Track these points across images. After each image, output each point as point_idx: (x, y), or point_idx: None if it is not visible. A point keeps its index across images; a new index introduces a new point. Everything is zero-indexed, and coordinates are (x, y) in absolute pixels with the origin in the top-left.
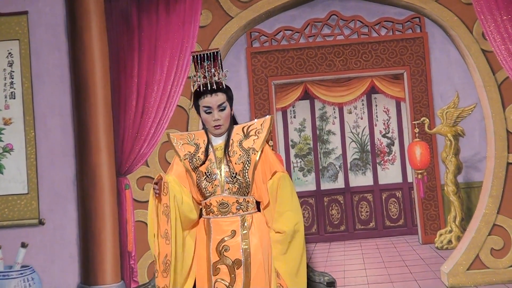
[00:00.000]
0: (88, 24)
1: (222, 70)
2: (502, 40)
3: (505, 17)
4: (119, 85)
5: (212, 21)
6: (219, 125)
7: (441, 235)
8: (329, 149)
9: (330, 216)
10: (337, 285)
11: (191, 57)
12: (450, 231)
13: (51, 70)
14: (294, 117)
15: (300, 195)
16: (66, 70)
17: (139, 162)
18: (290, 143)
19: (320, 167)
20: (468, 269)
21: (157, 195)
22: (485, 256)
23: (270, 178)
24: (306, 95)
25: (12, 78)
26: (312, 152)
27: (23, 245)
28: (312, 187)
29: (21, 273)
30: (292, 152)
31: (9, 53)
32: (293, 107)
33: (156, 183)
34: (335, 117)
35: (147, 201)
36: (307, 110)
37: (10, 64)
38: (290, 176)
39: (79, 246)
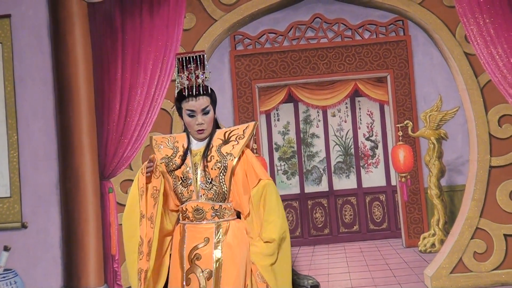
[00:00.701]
0: (72, 27)
1: (204, 72)
2: (485, 43)
3: (487, 20)
4: (103, 88)
5: (196, 24)
6: (202, 130)
7: (424, 238)
8: (313, 152)
9: (314, 219)
10: None
11: (176, 59)
12: (434, 235)
13: (34, 73)
14: (278, 120)
15: (284, 198)
16: (49, 73)
17: (122, 165)
18: (274, 146)
19: (304, 170)
20: (451, 273)
21: (148, 174)
22: (468, 260)
23: (254, 186)
24: (290, 98)
25: None
26: (296, 155)
27: (6, 249)
28: (296, 190)
29: (4, 277)
30: (276, 155)
31: None
32: (277, 110)
33: (149, 162)
34: (319, 120)
35: None
36: (291, 113)
37: None
38: (274, 179)
39: (62, 249)
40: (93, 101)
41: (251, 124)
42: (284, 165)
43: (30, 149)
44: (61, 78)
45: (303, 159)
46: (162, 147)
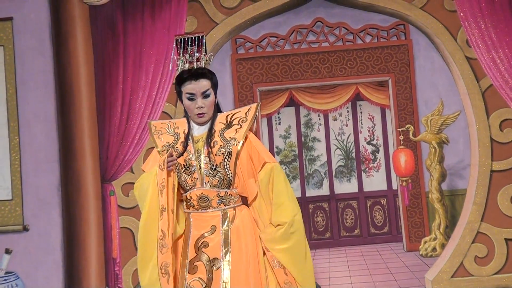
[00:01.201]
0: (73, 30)
1: (206, 54)
2: (486, 47)
3: (489, 25)
4: (104, 91)
5: (197, 27)
6: (202, 113)
7: (425, 242)
8: (314, 156)
9: (315, 223)
10: None
11: (175, 40)
12: (435, 239)
13: (36, 76)
14: (279, 123)
15: None
16: (51, 76)
17: (124, 168)
18: (275, 149)
19: (305, 174)
20: (452, 277)
21: (170, 168)
22: (469, 264)
23: (260, 170)
24: (291, 102)
25: None
26: (297, 159)
27: (7, 251)
28: (297, 194)
29: (5, 280)
30: (277, 158)
31: None
32: (278, 114)
33: (170, 156)
34: (320, 124)
35: (132, 208)
36: (292, 117)
37: None
38: None
39: (63, 252)
40: (94, 104)
41: (253, 106)
42: (286, 168)
43: (32, 152)
44: (63, 81)
45: (304, 163)
46: (161, 133)
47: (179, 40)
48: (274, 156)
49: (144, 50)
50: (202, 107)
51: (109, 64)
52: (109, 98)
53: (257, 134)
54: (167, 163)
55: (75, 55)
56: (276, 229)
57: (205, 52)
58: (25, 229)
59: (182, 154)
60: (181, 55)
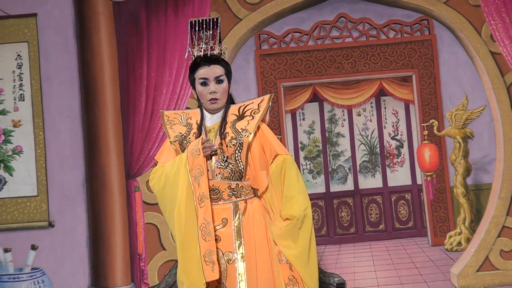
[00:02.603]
0: (97, 26)
1: (220, 43)
2: (511, 42)
3: None
4: (128, 87)
5: (220, 23)
6: (215, 99)
7: (450, 237)
8: (338, 151)
9: (340, 218)
10: (347, 286)
11: (189, 23)
12: (460, 233)
13: (60, 72)
14: (303, 119)
15: (310, 197)
16: (75, 72)
17: (148, 164)
18: (300, 145)
19: (330, 170)
20: (477, 271)
21: (208, 153)
22: (495, 258)
23: (272, 162)
24: (315, 98)
25: (21, 80)
26: (322, 155)
27: (33, 248)
28: (322, 189)
29: (31, 276)
30: (302, 154)
31: (18, 55)
32: (302, 110)
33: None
34: (344, 120)
35: (157, 204)
36: (316, 112)
37: (19, 66)
38: None
39: (89, 248)
40: (118, 100)
41: (266, 97)
42: (310, 164)
43: (57, 148)
44: (87, 77)
45: (328, 158)
46: (174, 123)
47: (193, 22)
48: (298, 151)
49: (168, 46)
50: (215, 92)
51: (133, 60)
52: (133, 94)
53: (280, 129)
54: (205, 149)
55: (99, 51)
56: (285, 224)
57: (220, 39)
58: (51, 225)
59: (199, 134)
60: (195, 43)
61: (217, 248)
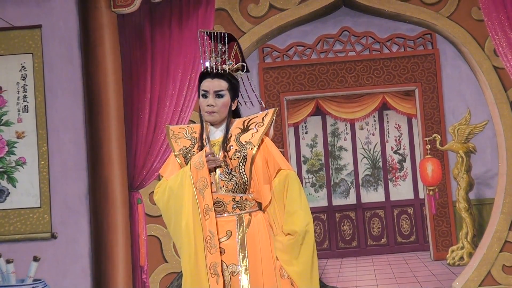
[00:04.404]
0: (101, 38)
1: (241, 60)
2: None
3: None
4: (132, 99)
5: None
6: (211, 112)
7: (453, 251)
8: (341, 165)
9: (342, 232)
10: None
11: (199, 33)
12: (462, 248)
13: (64, 83)
14: (306, 133)
15: (312, 210)
16: (79, 84)
17: (151, 177)
18: (302, 158)
19: (332, 183)
20: (479, 286)
21: (212, 166)
22: (497, 273)
23: (275, 177)
24: (318, 111)
25: (26, 92)
26: (324, 168)
27: (35, 259)
28: (324, 203)
29: (33, 287)
30: (304, 167)
31: (23, 66)
32: (305, 123)
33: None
34: (347, 133)
35: (160, 216)
36: (319, 126)
37: (24, 78)
38: None
39: (91, 260)
40: (122, 112)
41: (271, 110)
42: (312, 177)
43: (60, 160)
44: (91, 89)
45: (330, 172)
46: (179, 137)
47: (205, 35)
48: (301, 165)
49: (172, 58)
50: (212, 106)
51: (136, 72)
52: (136, 106)
53: (283, 142)
54: (209, 162)
55: (103, 63)
56: (286, 239)
57: (241, 58)
58: (53, 236)
59: (201, 147)
60: (208, 55)
61: (221, 260)
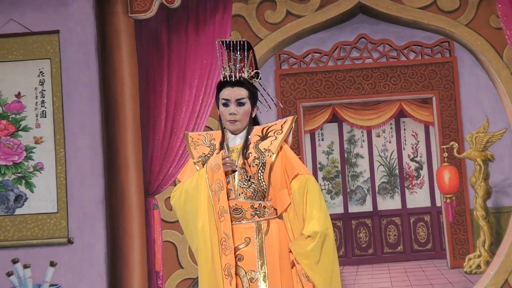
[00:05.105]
0: (118, 43)
1: (255, 68)
2: None
3: None
4: (148, 104)
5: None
6: (234, 120)
7: (470, 259)
8: (357, 172)
9: (358, 239)
10: None
11: (220, 42)
12: (479, 256)
13: (81, 89)
14: (322, 139)
15: None
16: (96, 89)
17: (167, 182)
18: (318, 165)
19: (348, 190)
20: None
21: (228, 169)
22: None
23: (293, 179)
24: (334, 118)
25: (43, 97)
26: (340, 175)
27: (52, 264)
28: (340, 210)
29: None
30: (320, 174)
31: (41, 71)
32: (321, 130)
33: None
34: (363, 141)
35: (175, 222)
36: (335, 133)
37: (42, 83)
38: None
39: (107, 265)
40: (138, 117)
41: (290, 118)
42: (328, 184)
43: (77, 165)
44: (108, 94)
45: (347, 179)
46: (198, 144)
47: (223, 44)
48: (317, 172)
49: (188, 64)
50: (234, 114)
51: (153, 78)
52: (153, 112)
53: (299, 149)
54: (225, 164)
55: (120, 69)
56: (307, 242)
57: (255, 65)
58: (70, 242)
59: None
60: (225, 63)
61: (240, 266)
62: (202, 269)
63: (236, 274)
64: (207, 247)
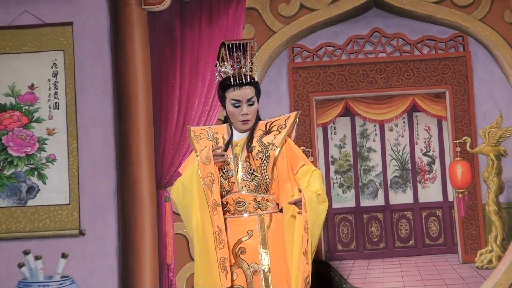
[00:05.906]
0: (132, 35)
1: (251, 62)
2: None
3: None
4: (161, 97)
5: (254, 36)
6: (246, 120)
7: (481, 254)
8: (369, 166)
9: (370, 233)
10: None
11: (221, 45)
12: (491, 251)
13: (94, 81)
14: (335, 133)
15: (339, 211)
16: (109, 81)
17: (179, 175)
18: (330, 159)
19: (360, 184)
20: None
21: (220, 162)
22: None
23: (298, 170)
24: (347, 112)
25: (57, 89)
26: (352, 169)
27: (64, 256)
28: (352, 203)
29: (61, 284)
30: (332, 168)
31: (54, 63)
32: (333, 124)
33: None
34: (376, 135)
35: None
36: (348, 126)
37: (55, 75)
38: (330, 192)
39: (118, 257)
40: (151, 110)
41: (293, 113)
42: (340, 178)
43: (89, 157)
44: (121, 86)
45: (359, 173)
46: (201, 138)
47: (228, 45)
48: (329, 165)
49: (201, 57)
50: (247, 114)
51: (166, 70)
52: (165, 104)
53: (311, 142)
54: (216, 157)
55: (133, 61)
56: (311, 193)
57: (251, 58)
58: (81, 233)
59: (225, 149)
60: (226, 60)
61: (242, 259)
62: (198, 263)
63: (239, 267)
64: (201, 240)
